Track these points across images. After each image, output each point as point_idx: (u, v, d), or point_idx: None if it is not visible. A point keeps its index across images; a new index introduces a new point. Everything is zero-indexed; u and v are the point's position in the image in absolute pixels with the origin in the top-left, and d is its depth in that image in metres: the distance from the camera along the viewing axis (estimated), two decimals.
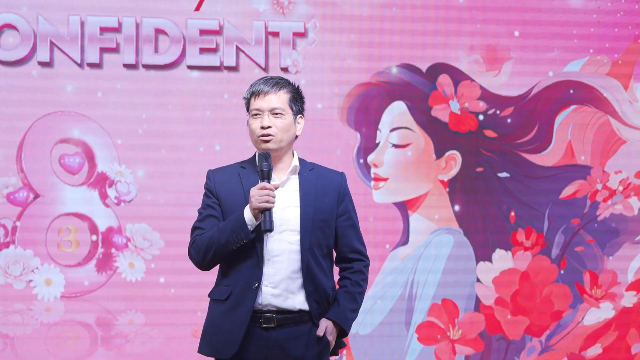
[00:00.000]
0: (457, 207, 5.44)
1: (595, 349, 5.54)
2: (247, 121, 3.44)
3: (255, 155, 3.47)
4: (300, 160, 3.47)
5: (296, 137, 3.47)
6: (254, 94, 3.40)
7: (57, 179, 5.15)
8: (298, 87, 3.48)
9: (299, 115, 3.45)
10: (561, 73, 5.53)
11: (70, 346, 5.18)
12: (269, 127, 3.36)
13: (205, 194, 3.46)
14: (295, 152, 3.48)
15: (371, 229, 5.27)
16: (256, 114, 3.39)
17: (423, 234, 5.43)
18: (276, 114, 3.38)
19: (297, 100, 3.45)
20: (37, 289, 5.13)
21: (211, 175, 3.47)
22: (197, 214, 3.46)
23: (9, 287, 5.12)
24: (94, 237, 5.17)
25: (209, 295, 3.46)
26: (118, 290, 5.18)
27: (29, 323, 5.14)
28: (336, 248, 3.47)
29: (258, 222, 3.29)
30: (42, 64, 5.14)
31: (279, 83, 3.42)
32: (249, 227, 3.28)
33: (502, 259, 5.48)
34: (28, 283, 5.13)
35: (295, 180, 3.43)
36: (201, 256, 3.37)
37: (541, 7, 5.50)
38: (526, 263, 5.49)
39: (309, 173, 3.45)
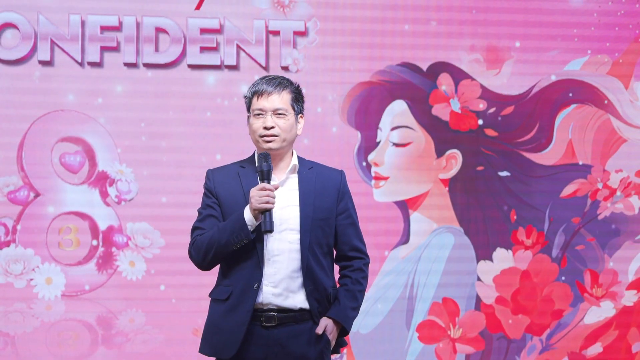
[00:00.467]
0: (457, 206, 5.44)
1: (596, 348, 5.54)
2: (248, 120, 3.44)
3: (254, 154, 3.47)
4: (300, 159, 3.47)
5: (296, 136, 3.46)
6: (256, 93, 3.40)
7: (58, 178, 5.16)
8: (299, 86, 3.48)
9: (300, 115, 3.45)
10: (562, 72, 5.53)
11: (71, 345, 5.18)
12: (272, 127, 3.36)
13: (204, 194, 3.46)
14: (294, 151, 3.47)
15: (372, 228, 5.27)
16: (259, 114, 3.38)
17: (423, 233, 5.42)
18: (279, 114, 3.38)
19: (299, 100, 3.45)
20: (38, 288, 5.13)
21: (210, 175, 3.47)
22: (197, 213, 3.47)
23: (9, 286, 5.12)
24: (95, 236, 5.17)
25: (210, 295, 3.46)
26: (118, 290, 5.18)
27: (29, 322, 5.14)
28: (336, 246, 3.47)
29: (258, 223, 3.29)
30: (43, 63, 5.15)
31: (282, 83, 3.41)
32: (249, 227, 3.28)
33: (502, 258, 5.48)
34: (29, 282, 5.13)
35: (294, 179, 3.43)
36: (201, 256, 3.37)
37: (542, 6, 5.50)
38: (527, 262, 5.49)
39: (308, 172, 3.45)
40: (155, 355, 5.21)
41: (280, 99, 3.38)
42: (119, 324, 5.19)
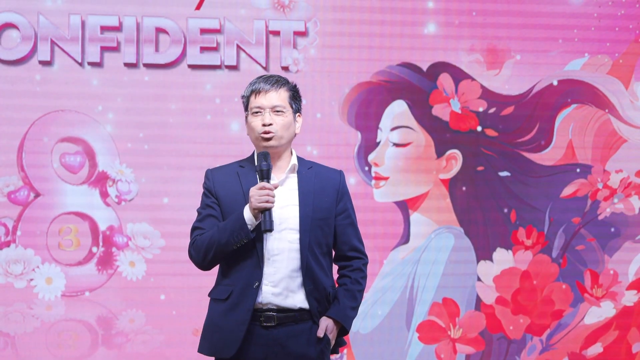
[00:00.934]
0: (457, 207, 5.44)
1: (596, 348, 5.54)
2: (246, 119, 3.44)
3: (253, 154, 3.47)
4: (299, 159, 3.47)
5: (294, 135, 3.47)
6: (254, 91, 3.41)
7: (58, 178, 5.16)
8: (295, 85, 3.49)
9: (298, 114, 3.46)
10: (562, 72, 5.53)
11: (71, 345, 5.18)
12: (271, 124, 3.36)
13: (204, 194, 3.46)
14: (293, 150, 3.48)
15: (372, 228, 5.27)
16: (257, 112, 3.39)
17: (423, 233, 5.42)
18: (277, 111, 3.38)
19: (296, 98, 3.46)
20: (38, 288, 5.13)
21: (210, 174, 3.47)
22: (197, 213, 3.47)
23: (9, 286, 5.12)
24: (95, 237, 5.17)
25: (209, 294, 3.46)
26: (119, 290, 5.18)
27: (29, 322, 5.14)
28: (335, 246, 3.47)
29: (258, 222, 3.29)
30: (43, 63, 5.15)
31: (280, 81, 3.43)
32: (248, 227, 3.28)
33: (502, 258, 5.47)
34: (29, 282, 5.13)
35: (294, 179, 3.43)
36: (201, 256, 3.37)
37: (542, 6, 5.50)
38: (527, 262, 5.49)
39: (307, 171, 3.45)
40: (155, 356, 5.21)
41: (278, 96, 3.39)
42: (119, 325, 5.19)
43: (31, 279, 5.13)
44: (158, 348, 5.21)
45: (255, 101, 3.39)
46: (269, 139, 3.37)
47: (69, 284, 5.15)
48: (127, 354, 5.20)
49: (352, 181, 5.27)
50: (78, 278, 5.16)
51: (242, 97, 3.46)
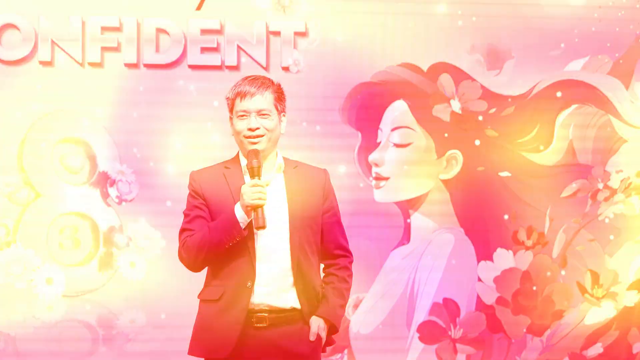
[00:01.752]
0: (458, 207, 5.44)
1: (597, 349, 5.54)
2: (231, 120, 3.44)
3: (237, 155, 3.48)
4: (284, 159, 3.48)
5: (279, 136, 3.47)
6: (239, 94, 3.41)
7: (58, 178, 5.16)
8: (280, 85, 3.49)
9: (282, 114, 3.46)
10: (562, 72, 5.52)
11: (72, 345, 5.18)
12: (257, 128, 3.37)
13: (190, 196, 3.46)
14: (278, 151, 3.48)
15: (372, 228, 5.26)
16: (242, 115, 3.39)
17: (424, 233, 5.42)
18: (263, 114, 3.39)
19: (281, 99, 3.47)
20: (39, 288, 5.14)
21: (195, 176, 3.48)
22: (183, 216, 3.47)
23: (10, 286, 5.12)
24: (95, 237, 5.17)
25: (199, 296, 3.45)
26: (119, 290, 5.18)
27: (30, 322, 5.15)
28: (321, 244, 3.48)
29: (249, 220, 3.29)
30: (44, 63, 5.15)
31: (265, 84, 3.43)
32: (240, 224, 3.28)
33: (503, 258, 5.47)
34: (29, 282, 5.14)
35: (280, 179, 3.44)
36: (192, 257, 3.38)
37: (542, 6, 5.50)
38: (527, 262, 5.48)
39: (293, 171, 3.47)
40: (155, 356, 5.21)
41: (264, 100, 3.40)
42: (120, 325, 5.20)
43: (32, 279, 5.13)
44: (158, 348, 5.22)
45: (240, 104, 3.39)
46: (256, 143, 3.37)
47: (70, 283, 5.16)
48: (127, 354, 5.20)
49: (353, 181, 5.27)
50: (78, 278, 5.17)
51: (227, 98, 3.45)
